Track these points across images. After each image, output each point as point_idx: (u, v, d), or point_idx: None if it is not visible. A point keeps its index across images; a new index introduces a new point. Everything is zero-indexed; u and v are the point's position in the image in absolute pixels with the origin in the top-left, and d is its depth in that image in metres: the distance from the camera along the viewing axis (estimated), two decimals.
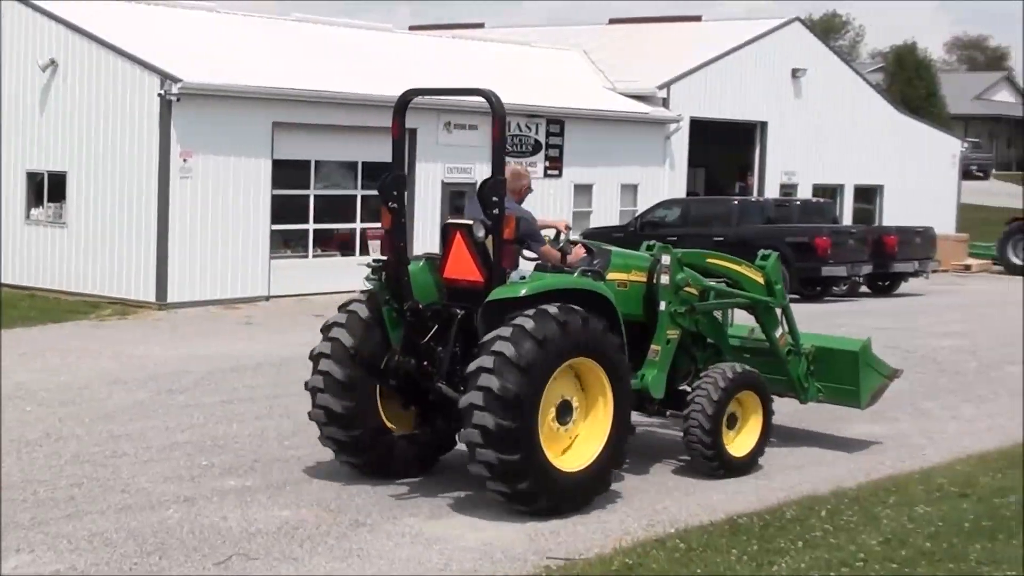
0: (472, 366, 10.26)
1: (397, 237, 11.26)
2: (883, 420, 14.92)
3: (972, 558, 9.35)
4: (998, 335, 23.56)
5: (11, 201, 26.85)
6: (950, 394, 17.14)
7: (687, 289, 12.38)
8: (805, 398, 13.65)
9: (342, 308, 11.49)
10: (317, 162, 27.33)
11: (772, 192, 38.77)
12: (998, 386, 17.81)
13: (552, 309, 10.33)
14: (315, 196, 27.26)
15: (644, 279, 12.28)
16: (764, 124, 39.08)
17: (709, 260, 13.15)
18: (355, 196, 27.99)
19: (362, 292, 11.55)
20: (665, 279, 12.18)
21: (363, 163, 28.00)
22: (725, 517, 10.48)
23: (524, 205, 12.06)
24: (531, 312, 10.29)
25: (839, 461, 13.02)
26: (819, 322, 22.40)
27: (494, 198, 10.72)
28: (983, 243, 42.90)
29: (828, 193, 40.63)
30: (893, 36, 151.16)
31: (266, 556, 9.33)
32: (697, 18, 45.09)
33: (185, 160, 24.55)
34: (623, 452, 11.05)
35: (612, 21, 45.73)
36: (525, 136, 31.42)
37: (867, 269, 30.55)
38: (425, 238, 29.07)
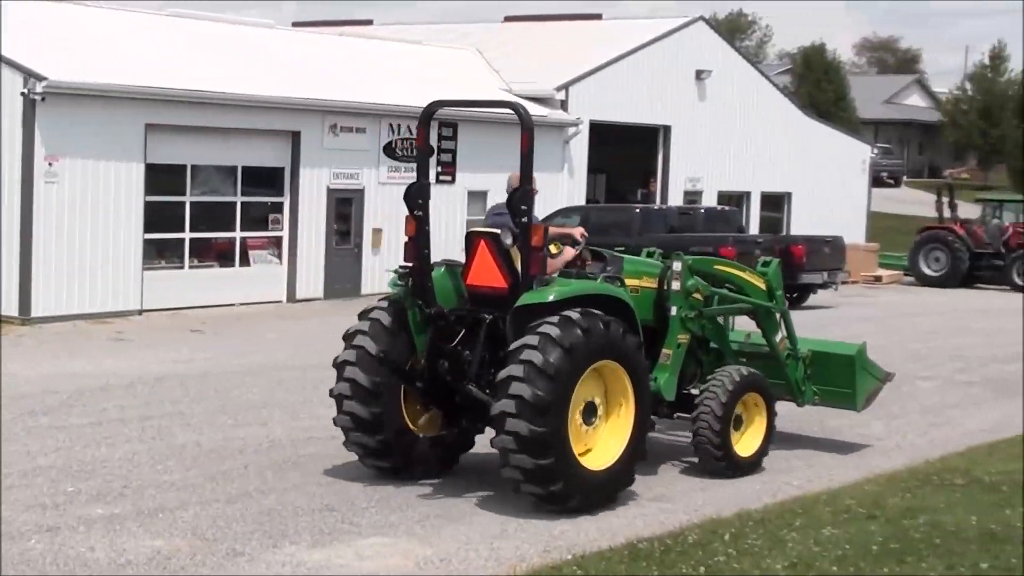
0: (502, 374, 11.30)
1: (421, 244, 12.34)
2: (790, 440, 15.11)
3: None
4: (910, 349, 23.97)
5: None
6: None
7: (695, 295, 13.52)
8: (802, 401, 14.89)
9: (363, 315, 12.47)
10: (194, 167, 27.08)
11: (676, 199, 39.09)
12: (909, 402, 18.12)
13: (575, 315, 11.39)
14: (191, 203, 27.00)
15: (655, 285, 13.51)
16: (667, 128, 39.42)
17: (716, 267, 14.51)
18: (235, 203, 27.78)
19: (383, 299, 12.58)
20: (676, 285, 13.35)
21: (243, 168, 27.83)
22: (625, 542, 10.54)
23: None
24: (555, 320, 11.33)
25: (744, 481, 13.17)
26: None
27: (523, 207, 11.90)
28: (894, 253, 43.66)
29: (734, 200, 41.07)
30: (801, 37, 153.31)
31: None
32: (597, 16, 45.35)
33: (50, 164, 24.19)
34: (644, 447, 12.25)
35: (508, 19, 45.89)
36: (415, 140, 31.34)
37: None
38: (311, 250, 28.94)
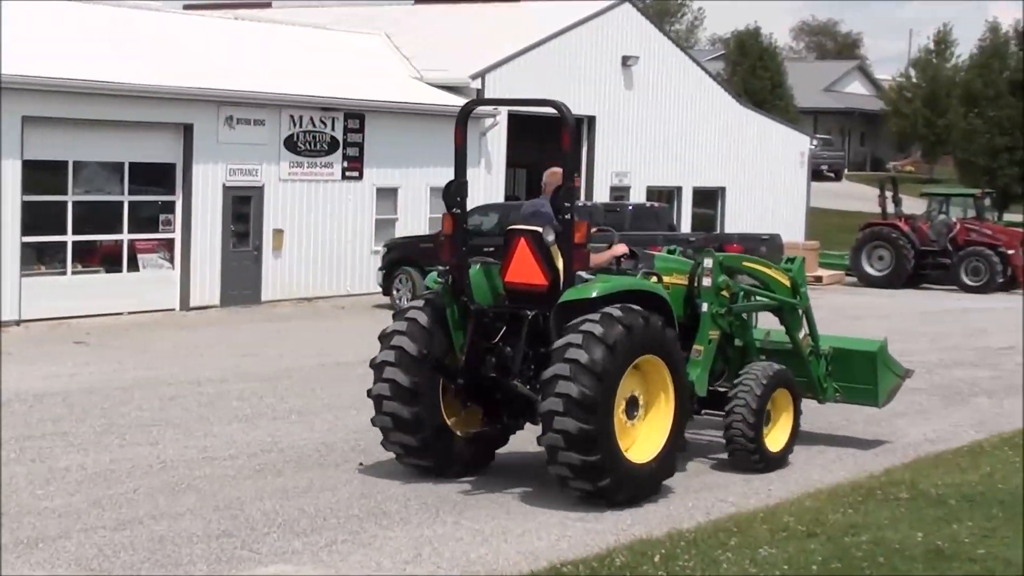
0: (548, 373, 12.38)
1: (459, 242, 13.38)
2: (726, 452, 15.25)
3: None
4: None
5: None
6: None
7: (723, 292, 14.62)
8: (824, 398, 16.15)
9: (400, 316, 13.51)
10: (76, 163, 26.86)
11: (602, 195, 39.24)
12: (852, 412, 18.27)
13: (616, 312, 12.46)
14: (74, 203, 26.77)
15: (685, 282, 14.59)
16: (592, 119, 39.56)
17: (745, 263, 15.73)
18: (121, 203, 27.56)
19: (418, 297, 13.78)
20: (707, 281, 14.42)
21: (131, 164, 27.63)
22: (548, 566, 10.59)
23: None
24: (597, 317, 12.39)
25: (676, 499, 13.25)
26: None
27: (567, 204, 12.89)
28: (835, 252, 44.07)
29: (664, 196, 41.32)
30: (735, 20, 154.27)
31: None
32: None
33: None
34: (684, 438, 13.58)
35: (419, 1, 45.83)
36: (319, 133, 31.31)
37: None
38: (206, 253, 28.76)
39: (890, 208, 42.00)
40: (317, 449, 15.09)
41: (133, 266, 27.83)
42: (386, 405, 13.31)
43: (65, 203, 26.65)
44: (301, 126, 30.84)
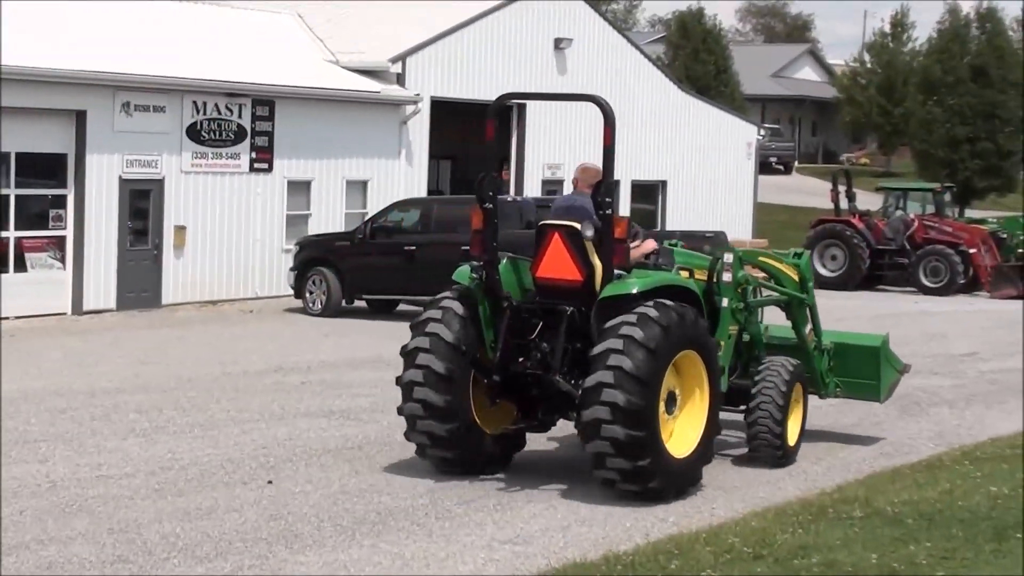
0: (591, 380, 13.39)
1: (490, 237, 14.30)
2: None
3: None
4: None
5: None
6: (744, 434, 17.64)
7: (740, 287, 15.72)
8: (825, 393, 17.28)
9: (433, 304, 14.32)
10: None
11: (533, 190, 39.31)
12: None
13: (652, 312, 13.48)
14: None
15: (704, 278, 15.54)
16: (522, 106, 39.60)
17: (760, 258, 17.02)
18: (7, 196, 27.35)
19: (452, 288, 14.43)
20: (727, 276, 15.45)
21: (17, 155, 27.48)
22: None
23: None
24: (634, 319, 13.41)
25: (612, 519, 13.27)
26: None
27: (608, 199, 13.91)
28: (785, 250, 44.24)
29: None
30: (676, 1, 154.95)
31: None
32: None
33: None
34: (719, 422, 14.68)
35: None
36: (225, 120, 31.17)
37: None
38: (100, 252, 28.56)
39: (843, 204, 42.29)
40: (222, 466, 15.01)
41: (20, 266, 27.62)
42: (417, 391, 14.05)
43: None
44: (205, 113, 30.69)
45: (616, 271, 13.99)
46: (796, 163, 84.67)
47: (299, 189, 33.17)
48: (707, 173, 45.69)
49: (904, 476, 15.26)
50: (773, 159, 77.16)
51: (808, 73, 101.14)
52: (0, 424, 14.14)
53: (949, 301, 38.28)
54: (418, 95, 35.52)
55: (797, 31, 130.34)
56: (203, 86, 30.49)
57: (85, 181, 28.33)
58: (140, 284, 29.50)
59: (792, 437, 15.93)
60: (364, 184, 34.37)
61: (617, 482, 13.65)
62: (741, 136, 47.86)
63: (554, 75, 40.37)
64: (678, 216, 44.09)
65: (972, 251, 40.75)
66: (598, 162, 14.52)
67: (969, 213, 56.41)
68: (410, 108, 35.40)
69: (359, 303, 30.46)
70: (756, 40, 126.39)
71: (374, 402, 19.03)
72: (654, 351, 13.34)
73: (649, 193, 44.49)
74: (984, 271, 40.71)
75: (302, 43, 37.08)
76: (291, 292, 30.71)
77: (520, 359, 14.29)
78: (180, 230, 30.23)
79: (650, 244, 14.91)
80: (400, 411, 14.36)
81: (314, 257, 30.27)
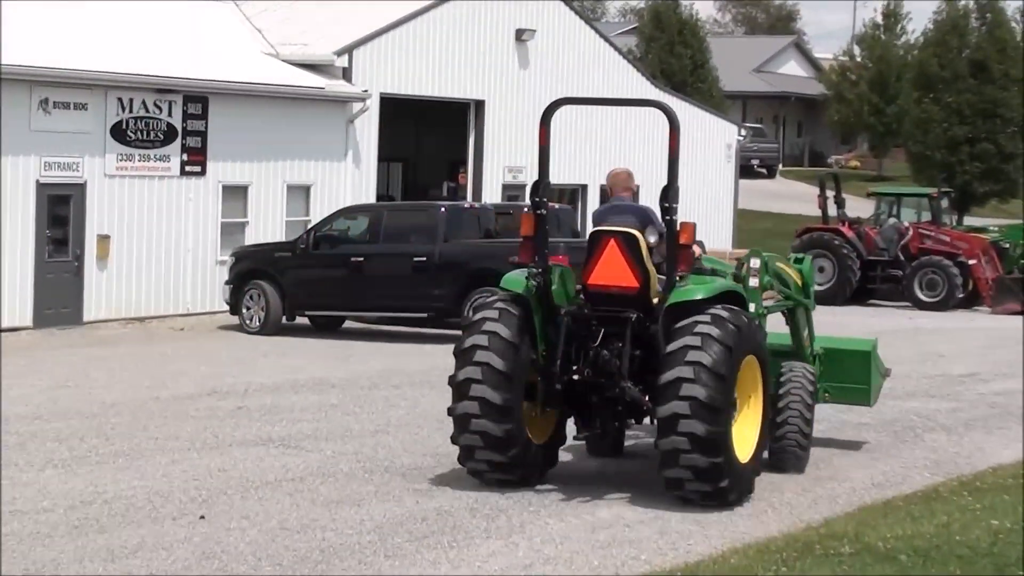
0: (668, 376, 14.44)
1: (542, 244, 15.31)
2: (642, 498, 15.32)
3: None
4: None
5: None
6: None
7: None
8: (815, 399, 17.73)
9: (474, 329, 15.08)
10: None
11: (493, 196, 39.29)
12: None
13: (724, 313, 14.68)
14: None
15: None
16: (480, 103, 39.64)
17: (777, 263, 17.70)
18: None
19: (503, 292, 15.34)
20: (754, 282, 16.42)
21: None
22: None
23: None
24: (708, 319, 14.58)
25: (579, 555, 13.24)
26: None
27: (675, 205, 15.03)
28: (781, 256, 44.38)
29: (567, 197, 41.45)
30: None
31: None
32: None
33: None
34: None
35: None
36: (153, 119, 31.10)
37: None
38: (14, 264, 28.45)
39: (831, 210, 42.41)
40: (149, 499, 14.94)
41: None
42: (475, 424, 14.94)
43: None
44: (131, 111, 30.63)
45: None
46: (780, 166, 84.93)
47: (235, 194, 33.10)
48: (683, 177, 45.60)
49: (897, 509, 15.28)
50: (755, 161, 77.37)
51: (793, 68, 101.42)
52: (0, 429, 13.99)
53: (947, 317, 38.43)
54: (366, 91, 35.49)
55: (781, 22, 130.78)
56: (129, 81, 30.42)
57: None
58: (60, 299, 29.39)
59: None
60: (307, 189, 34.31)
61: (687, 481, 14.61)
62: (720, 136, 47.99)
63: (515, 70, 40.39)
64: None
65: (972, 262, 40.89)
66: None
67: (968, 221, 56.79)
68: (358, 106, 35.36)
69: (301, 320, 30.40)
70: (737, 32, 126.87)
71: (317, 428, 18.98)
72: (731, 348, 14.51)
73: None
74: (985, 284, 40.83)
75: (239, 34, 37.01)
76: (226, 308, 30.65)
77: (575, 367, 15.16)
78: (104, 240, 30.14)
79: (697, 250, 15.62)
80: (451, 411, 15.17)
81: (252, 269, 30.18)
